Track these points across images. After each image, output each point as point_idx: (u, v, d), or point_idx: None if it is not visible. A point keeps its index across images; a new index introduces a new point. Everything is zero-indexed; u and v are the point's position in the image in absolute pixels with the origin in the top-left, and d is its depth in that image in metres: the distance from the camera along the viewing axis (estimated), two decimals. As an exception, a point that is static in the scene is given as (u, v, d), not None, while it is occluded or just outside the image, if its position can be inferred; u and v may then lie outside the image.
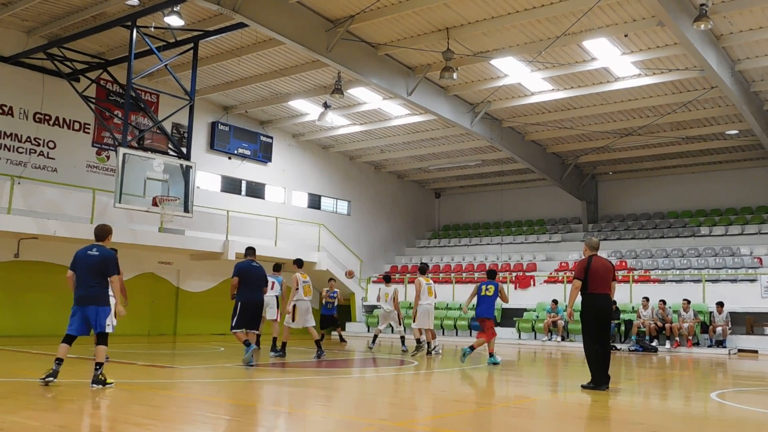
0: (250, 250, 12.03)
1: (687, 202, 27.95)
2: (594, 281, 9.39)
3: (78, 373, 9.66)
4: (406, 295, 25.47)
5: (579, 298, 9.55)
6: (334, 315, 19.40)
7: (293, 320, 13.63)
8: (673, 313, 19.83)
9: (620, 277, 21.43)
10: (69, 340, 8.42)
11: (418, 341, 15.24)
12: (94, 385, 8.14)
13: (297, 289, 13.61)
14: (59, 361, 8.29)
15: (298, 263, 14.12)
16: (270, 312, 15.33)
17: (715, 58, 16.91)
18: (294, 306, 13.59)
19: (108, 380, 8.28)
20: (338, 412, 7.55)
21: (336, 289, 19.50)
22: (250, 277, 11.55)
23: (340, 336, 19.94)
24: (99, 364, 8.24)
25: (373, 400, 7.83)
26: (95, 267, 8.45)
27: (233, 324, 11.48)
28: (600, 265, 9.49)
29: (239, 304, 11.46)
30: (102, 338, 8.39)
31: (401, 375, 11.34)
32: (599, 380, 9.28)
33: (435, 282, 19.02)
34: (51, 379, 8.21)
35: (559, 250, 27.75)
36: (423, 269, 15.63)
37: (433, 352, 15.07)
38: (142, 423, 6.32)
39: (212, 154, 24.21)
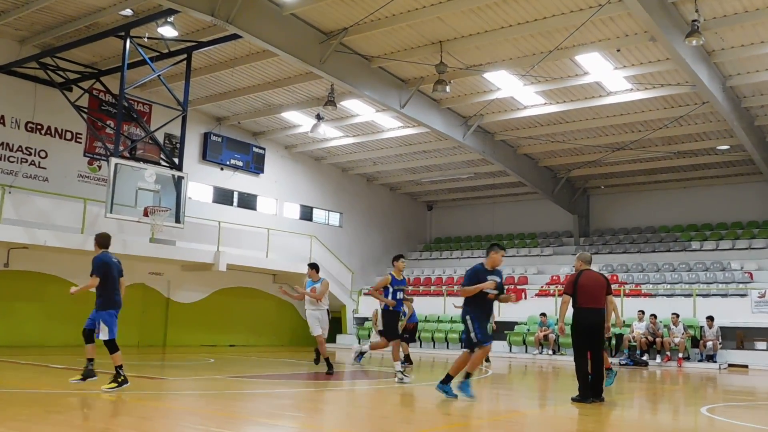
0: None
1: (678, 216, 28.05)
2: (582, 296, 9.41)
3: (65, 385, 9.58)
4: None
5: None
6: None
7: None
8: (664, 327, 19.86)
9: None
10: None
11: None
12: None
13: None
14: None
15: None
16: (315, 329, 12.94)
17: (707, 74, 17.03)
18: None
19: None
20: (328, 425, 7.50)
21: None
22: None
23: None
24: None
25: (363, 414, 7.78)
26: None
27: None
28: (589, 280, 9.49)
29: None
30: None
31: (391, 388, 11.28)
32: (585, 393, 9.28)
33: (426, 294, 18.75)
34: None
35: (550, 263, 27.75)
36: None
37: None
38: (129, 435, 6.26)
39: (204, 164, 24.18)
